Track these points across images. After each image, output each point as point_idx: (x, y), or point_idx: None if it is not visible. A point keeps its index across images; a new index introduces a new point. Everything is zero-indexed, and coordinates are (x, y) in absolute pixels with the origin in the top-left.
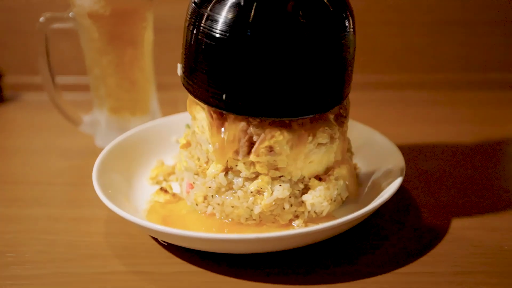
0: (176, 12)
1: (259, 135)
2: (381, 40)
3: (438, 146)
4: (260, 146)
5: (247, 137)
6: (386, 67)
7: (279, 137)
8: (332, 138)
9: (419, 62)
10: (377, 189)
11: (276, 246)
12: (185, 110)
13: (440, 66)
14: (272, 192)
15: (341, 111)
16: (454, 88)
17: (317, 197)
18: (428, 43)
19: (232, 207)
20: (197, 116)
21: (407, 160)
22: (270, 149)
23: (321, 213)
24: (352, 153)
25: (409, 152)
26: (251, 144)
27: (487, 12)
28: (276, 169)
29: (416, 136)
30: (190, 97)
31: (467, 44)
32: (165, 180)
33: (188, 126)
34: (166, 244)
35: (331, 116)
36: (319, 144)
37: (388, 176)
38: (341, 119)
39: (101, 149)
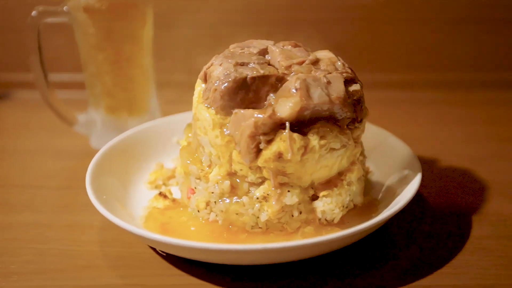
0: (177, 7)
1: (267, 142)
2: (390, 37)
3: (453, 148)
4: (268, 152)
5: (255, 143)
6: (395, 65)
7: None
8: (344, 143)
9: (430, 60)
10: (391, 195)
11: (285, 257)
12: (185, 109)
13: (452, 65)
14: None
15: (356, 114)
16: (466, 87)
17: (329, 204)
18: (440, 41)
19: (237, 214)
20: (199, 117)
21: (420, 163)
22: (279, 155)
23: (333, 220)
24: (364, 156)
25: (422, 154)
26: (258, 150)
27: (501, 9)
28: (285, 174)
29: (428, 138)
30: (196, 96)
31: (480, 42)
32: (164, 184)
33: (189, 125)
34: (165, 254)
35: (344, 122)
36: (331, 149)
37: (403, 181)
38: (355, 124)
39: (97, 151)
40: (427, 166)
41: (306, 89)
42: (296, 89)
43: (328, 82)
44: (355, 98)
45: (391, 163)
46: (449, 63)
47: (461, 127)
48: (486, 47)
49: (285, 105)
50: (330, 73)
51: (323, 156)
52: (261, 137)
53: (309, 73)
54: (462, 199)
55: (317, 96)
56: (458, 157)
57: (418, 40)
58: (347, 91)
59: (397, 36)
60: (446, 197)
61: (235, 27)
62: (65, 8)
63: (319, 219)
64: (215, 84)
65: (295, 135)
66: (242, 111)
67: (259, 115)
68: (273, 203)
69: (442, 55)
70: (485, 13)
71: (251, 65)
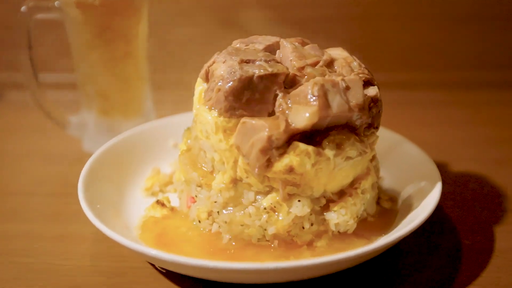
0: (173, 4)
1: (279, 155)
2: (392, 35)
3: (464, 152)
4: (280, 165)
5: (266, 157)
6: (398, 65)
7: (304, 159)
8: (361, 152)
9: (435, 59)
10: (407, 205)
11: (299, 275)
12: (182, 111)
13: (459, 63)
14: (289, 209)
15: (373, 119)
16: (473, 87)
17: (343, 216)
18: (445, 38)
19: (242, 225)
20: (200, 119)
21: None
22: (291, 169)
23: (346, 232)
24: (377, 161)
25: (433, 158)
26: (269, 162)
27: (505, 5)
28: (295, 185)
29: (436, 141)
30: (196, 96)
31: (487, 40)
32: (161, 191)
33: (188, 129)
34: (164, 271)
35: (361, 127)
36: (348, 158)
37: (421, 189)
38: (371, 130)
39: (89, 154)
40: (440, 172)
41: (324, 97)
42: (314, 97)
43: (347, 87)
44: (372, 102)
45: (404, 169)
46: (455, 62)
47: (471, 129)
48: (491, 45)
49: (301, 115)
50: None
51: (338, 165)
52: (274, 151)
53: (324, 76)
54: (481, 208)
55: (336, 104)
56: (471, 161)
57: (422, 38)
58: (365, 95)
59: (399, 34)
60: (464, 206)
61: (234, 24)
62: (56, 3)
63: (332, 231)
64: (219, 84)
65: (310, 148)
66: (253, 121)
67: (273, 129)
68: (280, 218)
69: (447, 53)
70: (490, 10)
71: (258, 62)
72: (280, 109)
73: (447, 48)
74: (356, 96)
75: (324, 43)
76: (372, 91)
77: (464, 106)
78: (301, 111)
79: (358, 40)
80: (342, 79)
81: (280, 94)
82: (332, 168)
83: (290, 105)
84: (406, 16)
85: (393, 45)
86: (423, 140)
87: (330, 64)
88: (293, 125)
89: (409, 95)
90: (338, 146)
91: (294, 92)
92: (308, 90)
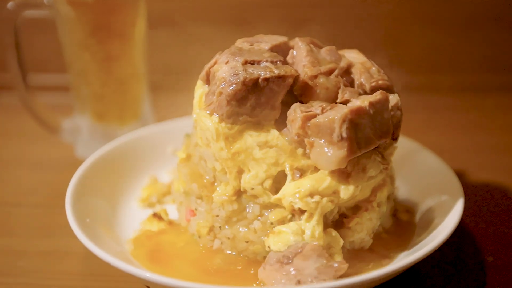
0: (173, 2)
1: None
2: (404, 37)
3: (483, 159)
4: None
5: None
6: (407, 67)
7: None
8: (382, 169)
9: (445, 62)
10: (426, 220)
11: None
12: (183, 115)
13: (469, 67)
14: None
15: (393, 131)
16: (485, 91)
17: (359, 233)
18: (457, 40)
19: (247, 242)
20: (200, 125)
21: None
22: None
23: (361, 248)
24: (394, 171)
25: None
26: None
27: None
28: None
29: (451, 147)
30: (196, 100)
31: (500, 43)
32: (159, 202)
33: (188, 136)
34: None
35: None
36: (370, 177)
37: (441, 203)
38: (390, 143)
39: (82, 161)
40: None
41: (354, 138)
42: (343, 138)
43: (375, 114)
44: (392, 111)
45: (420, 178)
46: (468, 65)
47: (485, 135)
48: (507, 47)
49: (326, 155)
50: (365, 89)
51: (359, 186)
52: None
53: (338, 88)
54: (505, 221)
55: (365, 142)
56: (488, 169)
57: (433, 40)
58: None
59: (409, 34)
60: (484, 217)
61: (237, 23)
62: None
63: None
64: (221, 87)
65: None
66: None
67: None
68: None
69: (459, 56)
70: (506, 11)
71: (263, 63)
72: (297, 138)
73: (460, 51)
74: (383, 122)
75: (332, 44)
76: (392, 100)
77: (476, 110)
78: (326, 151)
79: (367, 42)
80: (370, 103)
81: (298, 118)
82: (352, 192)
83: (309, 132)
84: (420, 17)
85: (406, 47)
86: (435, 146)
87: (347, 71)
88: (317, 164)
89: (419, 99)
90: (356, 165)
91: (316, 121)
92: (335, 127)
